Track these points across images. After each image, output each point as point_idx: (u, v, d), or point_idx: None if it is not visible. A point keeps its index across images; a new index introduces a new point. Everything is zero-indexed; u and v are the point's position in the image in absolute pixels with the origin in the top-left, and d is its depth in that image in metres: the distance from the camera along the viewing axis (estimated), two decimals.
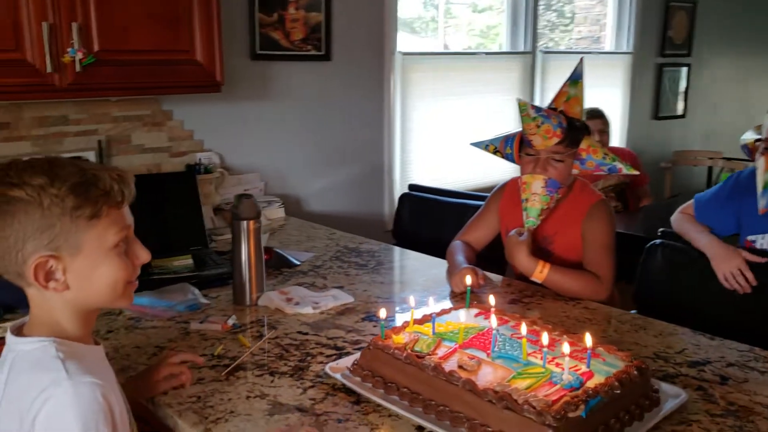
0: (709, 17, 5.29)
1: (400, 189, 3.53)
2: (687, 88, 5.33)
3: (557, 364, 1.27)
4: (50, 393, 0.94)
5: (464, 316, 1.52)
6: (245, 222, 1.82)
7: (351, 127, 3.36)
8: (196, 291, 1.88)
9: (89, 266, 1.02)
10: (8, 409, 0.97)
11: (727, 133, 5.16)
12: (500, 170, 3.55)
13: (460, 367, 1.29)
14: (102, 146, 2.51)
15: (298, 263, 2.23)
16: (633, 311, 2.10)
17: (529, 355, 1.32)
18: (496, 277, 2.09)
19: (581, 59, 1.94)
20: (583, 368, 1.26)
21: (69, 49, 2.02)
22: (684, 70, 5.26)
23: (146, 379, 1.34)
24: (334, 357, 1.51)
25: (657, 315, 1.81)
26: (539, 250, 2.04)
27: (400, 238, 3.11)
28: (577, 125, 1.92)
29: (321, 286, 2.02)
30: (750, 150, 2.07)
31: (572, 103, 1.92)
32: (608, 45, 4.84)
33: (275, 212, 2.93)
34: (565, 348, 1.24)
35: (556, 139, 1.88)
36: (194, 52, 2.34)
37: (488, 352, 1.34)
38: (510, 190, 2.14)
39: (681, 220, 2.16)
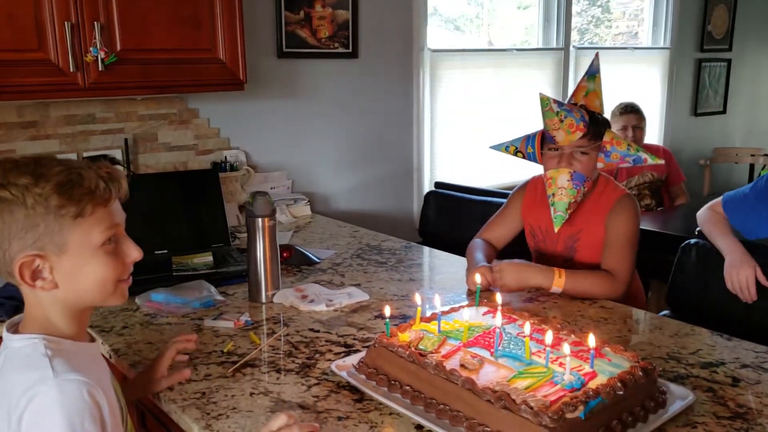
0: (750, 11, 5.13)
1: (428, 187, 3.51)
2: (727, 84, 5.18)
3: (561, 364, 1.24)
4: (36, 391, 0.95)
5: (471, 315, 1.51)
6: (260, 219, 1.83)
7: (379, 125, 3.36)
8: (212, 288, 1.90)
9: (76, 265, 1.02)
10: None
11: None
12: (531, 168, 3.49)
13: (462, 365, 1.28)
14: (128, 144, 2.56)
15: (318, 261, 2.24)
16: (665, 311, 2.06)
17: (533, 354, 1.30)
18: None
19: (596, 54, 1.91)
20: (587, 368, 1.24)
21: (91, 49, 2.07)
22: (724, 65, 5.11)
23: (149, 376, 1.36)
24: (343, 355, 1.51)
25: (689, 316, 1.76)
26: (565, 248, 2.01)
27: (426, 236, 3.10)
28: (599, 119, 1.90)
29: (338, 283, 2.02)
30: None
31: (591, 97, 1.89)
32: (646, 40, 4.73)
33: (301, 210, 2.95)
34: (566, 348, 1.21)
35: (579, 133, 1.86)
36: (217, 51, 2.37)
37: (492, 350, 1.33)
38: (532, 188, 2.11)
39: (707, 218, 2.09)
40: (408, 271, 2.14)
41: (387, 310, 1.44)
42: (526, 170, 3.54)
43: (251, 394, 1.34)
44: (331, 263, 2.23)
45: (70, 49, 2.03)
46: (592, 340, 1.25)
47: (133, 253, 1.09)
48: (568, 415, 1.09)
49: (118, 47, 2.14)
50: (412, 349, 1.34)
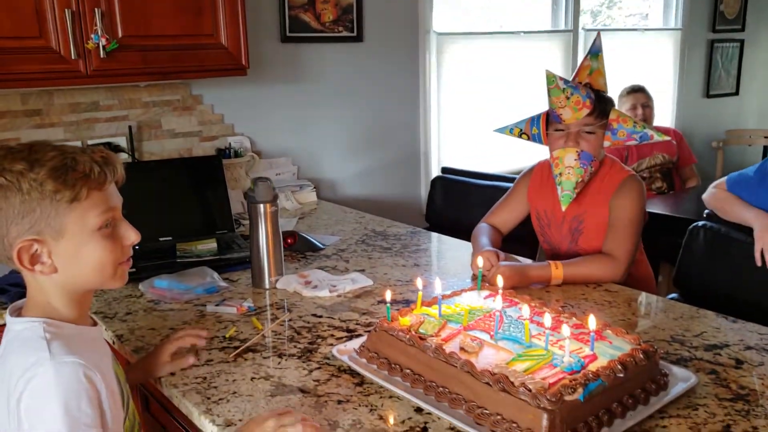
0: None
1: (435, 172, 3.50)
2: (740, 65, 5.10)
3: (561, 347, 1.23)
4: (33, 372, 0.96)
5: (472, 298, 1.50)
6: (262, 205, 1.83)
7: (385, 110, 3.34)
8: (216, 274, 1.90)
9: (74, 249, 1.03)
10: (0, 388, 1.00)
11: None
12: (538, 152, 3.47)
13: (462, 348, 1.27)
14: (132, 132, 2.56)
15: (323, 247, 2.23)
16: (673, 294, 2.04)
17: (533, 337, 1.29)
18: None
19: (598, 33, 1.88)
20: (587, 351, 1.23)
21: (93, 36, 2.06)
22: (737, 45, 5.03)
23: (153, 360, 1.36)
24: (345, 339, 1.51)
25: (696, 299, 1.74)
26: (570, 231, 1.99)
27: (433, 221, 3.09)
28: (604, 97, 1.87)
29: (342, 269, 2.01)
30: None
31: (595, 76, 1.87)
32: (657, 21, 4.67)
33: (307, 196, 2.95)
34: (565, 330, 1.20)
35: (586, 110, 1.83)
36: (219, 36, 2.36)
37: (492, 334, 1.32)
38: (538, 172, 2.09)
39: (717, 196, 2.05)
40: (413, 257, 2.13)
41: (388, 295, 1.43)
42: (533, 154, 3.52)
43: (252, 378, 1.34)
44: (336, 249, 2.22)
45: (71, 36, 2.03)
46: (592, 323, 1.23)
47: (131, 235, 1.09)
48: (567, 398, 1.09)
49: (120, 34, 2.13)
50: (413, 332, 1.33)
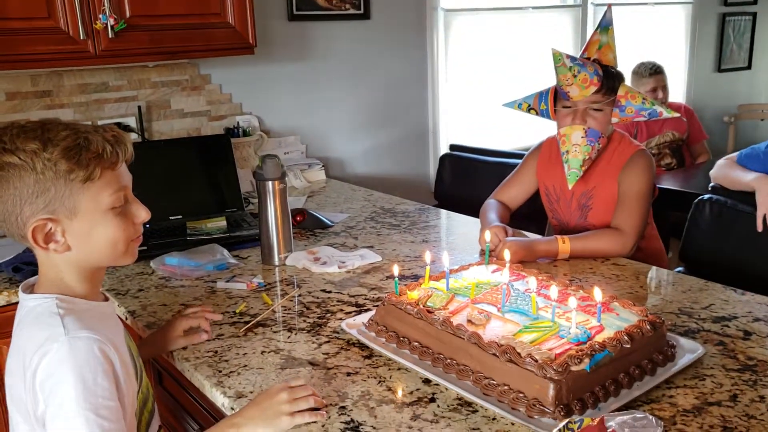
0: None
1: (443, 150, 3.49)
2: (753, 39, 5.03)
3: (567, 319, 1.24)
4: (47, 348, 0.97)
5: (480, 272, 1.51)
6: (270, 183, 1.84)
7: (393, 87, 3.33)
8: (225, 251, 1.92)
9: (88, 227, 1.04)
10: (14, 363, 1.02)
11: None
12: (547, 129, 3.45)
13: (469, 321, 1.28)
14: (142, 112, 2.57)
15: (332, 224, 2.25)
16: (679, 268, 2.04)
17: (540, 309, 1.30)
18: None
19: (609, 6, 1.86)
20: (594, 322, 1.24)
21: (101, 16, 2.06)
22: (749, 19, 4.96)
23: (165, 334, 1.38)
24: (354, 314, 1.52)
25: (703, 272, 1.74)
26: (579, 206, 1.99)
27: (442, 198, 3.10)
28: (613, 72, 1.86)
29: (351, 246, 2.03)
30: None
31: (605, 50, 1.85)
32: None
33: (315, 174, 2.96)
34: (572, 302, 1.21)
35: (593, 88, 1.82)
36: (225, 15, 2.36)
37: (499, 306, 1.33)
38: (547, 148, 2.09)
39: (723, 165, 2.05)
40: (421, 233, 2.14)
41: (395, 269, 1.44)
42: (541, 130, 3.51)
43: (262, 352, 1.36)
44: (345, 226, 2.24)
45: (79, 16, 2.03)
46: (598, 294, 1.24)
47: (141, 213, 1.11)
48: (574, 368, 1.10)
49: (128, 14, 2.13)
50: (421, 306, 1.34)
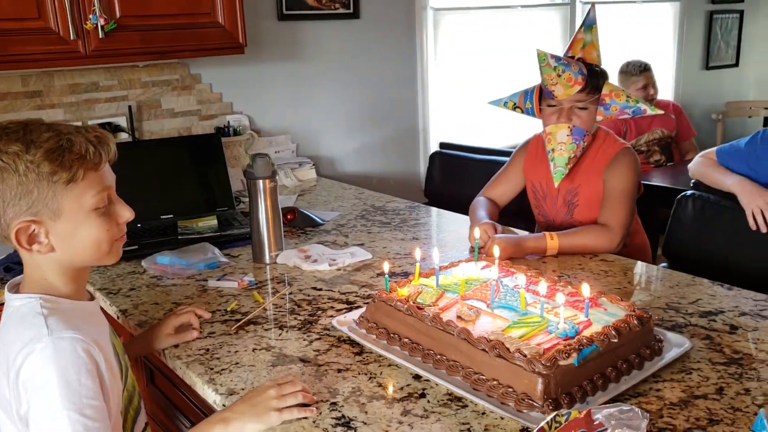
0: None
1: (434, 148, 3.50)
2: (740, 36, 5.07)
3: (556, 314, 1.26)
4: (31, 348, 0.97)
5: (469, 269, 1.52)
6: (261, 181, 1.85)
7: (383, 87, 3.34)
8: (216, 250, 1.93)
9: (71, 228, 1.04)
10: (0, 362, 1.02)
11: None
12: (536, 124, 3.47)
13: (459, 317, 1.30)
14: (132, 112, 2.57)
15: (323, 222, 2.26)
16: (663, 264, 2.06)
17: (528, 305, 1.31)
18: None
19: (592, 5, 1.88)
20: (582, 317, 1.25)
21: (91, 16, 2.06)
22: (736, 16, 5.00)
23: (156, 332, 1.39)
24: (345, 311, 1.53)
25: (687, 267, 1.77)
26: (565, 204, 2.01)
27: (432, 196, 3.11)
28: (597, 71, 1.88)
29: (342, 244, 2.04)
30: None
31: (589, 49, 1.87)
32: None
33: (306, 173, 2.96)
34: (560, 298, 1.22)
35: (578, 87, 1.84)
36: (216, 15, 2.36)
37: (488, 302, 1.34)
38: (534, 145, 2.11)
39: (703, 163, 2.06)
40: (412, 231, 2.15)
41: (386, 266, 1.45)
42: (530, 128, 3.53)
43: (254, 349, 1.37)
44: (335, 224, 2.24)
45: (69, 16, 2.03)
46: (586, 290, 1.26)
47: (125, 213, 1.11)
48: (562, 362, 1.11)
49: (118, 14, 2.13)
50: (411, 302, 1.36)
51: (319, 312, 1.54)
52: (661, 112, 1.94)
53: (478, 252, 1.62)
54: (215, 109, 2.83)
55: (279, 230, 1.90)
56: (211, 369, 1.29)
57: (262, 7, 2.87)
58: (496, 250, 1.50)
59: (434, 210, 2.42)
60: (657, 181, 3.35)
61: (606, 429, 0.92)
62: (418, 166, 3.52)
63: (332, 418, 1.11)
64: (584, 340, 1.16)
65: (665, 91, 4.62)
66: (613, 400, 1.12)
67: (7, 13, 1.97)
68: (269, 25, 2.91)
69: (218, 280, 1.74)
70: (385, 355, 1.30)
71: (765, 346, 1.28)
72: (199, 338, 1.41)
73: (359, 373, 1.26)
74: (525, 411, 1.09)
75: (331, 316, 1.50)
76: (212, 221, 2.15)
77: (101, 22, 2.08)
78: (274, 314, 1.54)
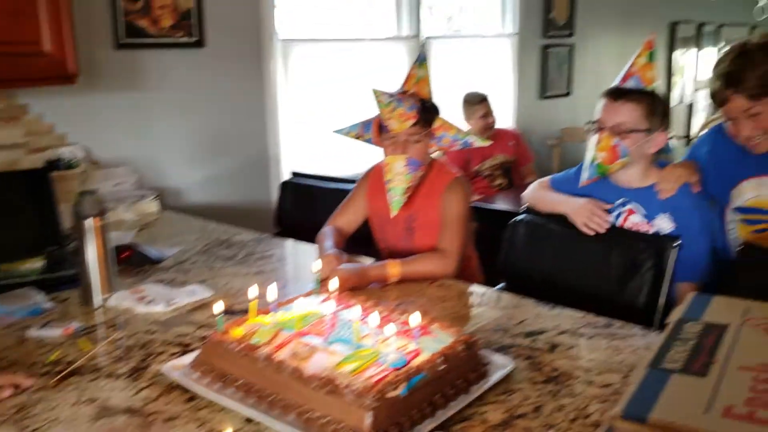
0: None
1: (287, 177, 3.48)
2: (571, 68, 5.50)
3: (388, 345, 1.27)
4: None
5: (308, 303, 1.51)
6: (88, 220, 1.74)
7: (232, 115, 3.29)
8: (40, 295, 1.79)
9: None
10: None
11: None
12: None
13: (294, 355, 1.28)
14: None
15: (162, 259, 2.16)
16: (501, 284, 2.16)
17: (362, 338, 1.32)
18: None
19: (425, 41, 1.97)
20: (412, 346, 1.28)
21: None
22: (567, 50, 5.42)
23: None
24: (179, 355, 1.47)
25: (522, 288, 1.87)
26: (404, 229, 2.07)
27: (284, 226, 3.08)
28: (429, 106, 1.97)
29: (181, 282, 1.96)
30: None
31: (422, 84, 1.97)
32: (494, 27, 4.92)
33: (148, 206, 2.84)
34: (389, 328, 1.24)
35: (411, 121, 1.92)
36: (41, 43, 2.23)
37: (325, 337, 1.34)
38: (375, 174, 2.16)
39: (536, 189, 2.20)
40: (256, 264, 2.12)
41: (216, 307, 1.41)
42: (379, 157, 3.62)
43: (74, 403, 1.27)
44: (176, 261, 2.16)
45: None
46: (414, 319, 1.29)
47: None
48: (390, 394, 1.12)
49: None
50: (245, 343, 1.32)
51: (151, 358, 1.47)
52: (489, 143, 2.08)
53: (320, 284, 1.62)
54: (46, 141, 2.65)
55: (110, 271, 1.79)
56: (25, 428, 1.19)
57: (97, 35, 2.75)
58: (333, 282, 1.51)
59: (282, 241, 2.40)
60: (501, 204, 3.54)
61: None
62: (270, 195, 3.49)
63: None
64: (412, 370, 1.18)
65: (506, 119, 4.91)
66: (440, 426, 1.14)
67: None
68: (107, 54, 2.80)
69: (41, 328, 1.61)
70: (216, 399, 1.26)
71: (580, 363, 1.37)
72: (10, 396, 1.30)
73: (189, 421, 1.21)
74: None
75: (164, 361, 1.43)
76: (37, 263, 2.00)
77: None
78: (102, 363, 1.45)
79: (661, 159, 1.99)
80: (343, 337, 1.33)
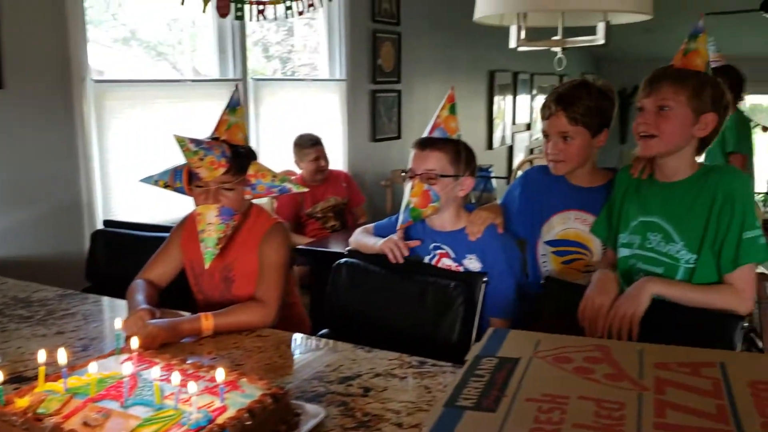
0: (412, 48, 5.74)
1: (102, 226, 3.26)
2: (400, 112, 5.72)
3: (191, 404, 1.20)
4: None
5: (107, 365, 1.40)
6: None
7: (37, 161, 3.03)
8: None
9: None
10: None
11: None
12: None
13: (85, 423, 1.17)
14: None
15: None
16: (324, 330, 2.14)
17: (165, 398, 1.24)
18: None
19: (236, 86, 1.95)
20: (217, 403, 1.21)
21: None
22: (395, 95, 5.63)
23: None
24: None
25: (346, 332, 1.86)
26: (221, 280, 2.00)
27: (97, 279, 2.86)
28: (242, 152, 1.92)
29: None
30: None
31: (234, 130, 1.93)
32: (324, 72, 5.01)
33: None
34: (192, 387, 1.18)
35: (222, 170, 1.87)
36: None
37: (122, 401, 1.24)
38: (190, 222, 2.07)
39: (359, 233, 2.26)
40: (57, 324, 1.94)
41: None
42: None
43: None
44: None
45: None
46: (219, 375, 1.23)
47: None
48: None
49: None
50: (29, 414, 1.19)
51: None
52: (305, 189, 2.08)
53: (126, 343, 1.50)
54: None
55: None
56: None
57: None
58: (135, 342, 1.41)
59: (89, 297, 2.22)
60: (334, 246, 3.54)
61: None
62: (83, 246, 3.24)
63: None
64: (216, 428, 1.12)
65: (338, 161, 4.98)
66: None
67: None
68: None
69: None
70: None
71: (391, 405, 1.37)
72: None
73: None
74: None
75: None
76: None
77: None
78: None
79: (468, 203, 2.10)
80: (144, 399, 1.24)
